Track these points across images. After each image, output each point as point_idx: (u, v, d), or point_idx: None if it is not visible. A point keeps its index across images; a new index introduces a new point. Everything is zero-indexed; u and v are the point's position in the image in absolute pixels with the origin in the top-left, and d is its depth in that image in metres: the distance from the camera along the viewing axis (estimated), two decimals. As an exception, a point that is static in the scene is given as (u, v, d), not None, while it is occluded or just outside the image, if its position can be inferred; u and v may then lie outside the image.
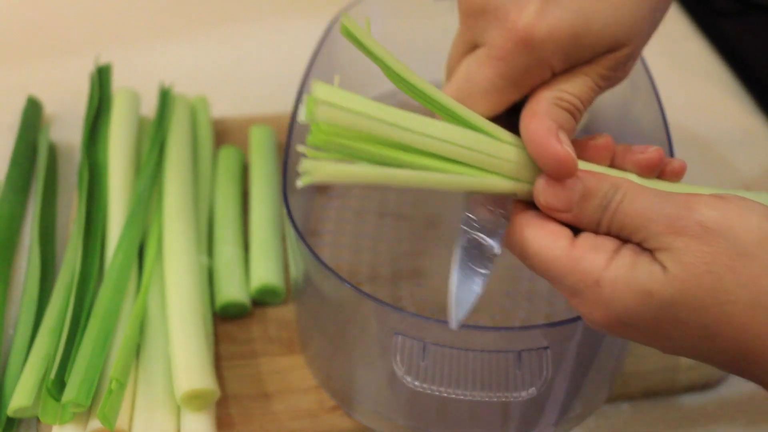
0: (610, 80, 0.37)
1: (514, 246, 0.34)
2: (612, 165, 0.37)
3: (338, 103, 0.30)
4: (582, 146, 0.37)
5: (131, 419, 0.45)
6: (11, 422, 0.46)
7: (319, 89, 0.30)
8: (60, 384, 0.45)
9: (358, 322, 0.43)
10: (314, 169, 0.30)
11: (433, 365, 0.40)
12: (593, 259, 0.32)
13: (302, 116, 0.31)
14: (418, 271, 0.54)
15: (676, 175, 0.37)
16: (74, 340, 0.47)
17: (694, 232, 0.30)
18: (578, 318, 0.39)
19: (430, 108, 0.35)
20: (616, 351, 0.45)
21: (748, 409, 0.50)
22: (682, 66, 0.77)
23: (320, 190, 0.60)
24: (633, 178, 0.36)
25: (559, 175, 0.33)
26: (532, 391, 0.40)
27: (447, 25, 0.65)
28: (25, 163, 0.61)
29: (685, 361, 0.50)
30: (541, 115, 0.35)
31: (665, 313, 0.31)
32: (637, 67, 0.54)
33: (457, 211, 0.58)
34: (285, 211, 0.44)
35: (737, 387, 0.51)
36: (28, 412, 0.45)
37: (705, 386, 0.51)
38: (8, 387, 0.47)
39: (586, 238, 0.33)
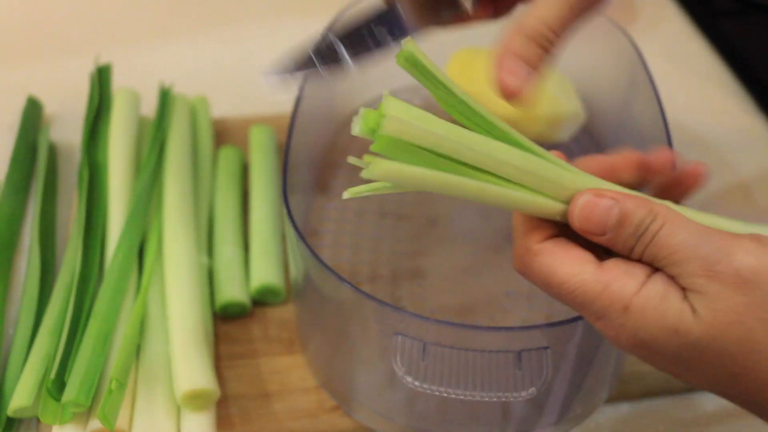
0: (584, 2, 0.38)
1: (532, 274, 0.34)
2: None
3: (408, 119, 0.31)
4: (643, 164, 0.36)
5: (131, 419, 0.45)
6: (11, 422, 0.46)
7: (390, 104, 0.31)
8: (60, 384, 0.45)
9: (358, 322, 0.43)
10: (376, 165, 0.30)
11: (433, 365, 0.40)
12: (624, 284, 0.31)
13: (356, 130, 0.31)
14: (418, 271, 0.54)
15: (694, 178, 0.36)
16: (74, 340, 0.47)
17: (730, 280, 0.30)
18: (578, 318, 0.39)
19: (490, 135, 0.34)
20: (616, 351, 0.45)
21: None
22: (682, 66, 0.77)
23: (320, 190, 0.60)
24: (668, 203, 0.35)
25: (505, 97, 0.37)
26: (532, 391, 0.40)
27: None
28: (25, 163, 0.61)
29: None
30: (502, 46, 0.38)
31: (690, 353, 0.31)
32: (637, 66, 0.54)
33: (457, 212, 0.58)
34: (285, 211, 0.44)
35: (737, 387, 0.51)
36: (28, 412, 0.45)
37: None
38: (8, 387, 0.47)
39: (616, 262, 0.32)
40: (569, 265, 0.32)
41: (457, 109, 0.34)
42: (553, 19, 0.38)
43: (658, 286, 0.31)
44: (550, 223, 0.34)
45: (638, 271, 0.32)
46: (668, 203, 0.34)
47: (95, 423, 0.44)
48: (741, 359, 0.30)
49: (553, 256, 0.33)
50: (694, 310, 0.30)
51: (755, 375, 0.30)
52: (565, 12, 0.38)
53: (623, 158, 0.36)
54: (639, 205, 0.32)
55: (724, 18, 0.80)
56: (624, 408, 0.50)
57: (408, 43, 0.32)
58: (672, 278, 0.31)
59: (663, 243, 0.31)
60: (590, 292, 0.32)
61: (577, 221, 0.33)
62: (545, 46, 0.38)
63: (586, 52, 0.56)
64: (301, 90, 0.51)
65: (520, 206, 0.33)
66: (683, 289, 0.31)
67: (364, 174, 0.31)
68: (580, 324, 0.40)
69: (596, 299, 0.32)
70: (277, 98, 0.67)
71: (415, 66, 0.32)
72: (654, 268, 0.32)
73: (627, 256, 0.33)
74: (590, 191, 0.33)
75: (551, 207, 0.33)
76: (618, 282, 0.31)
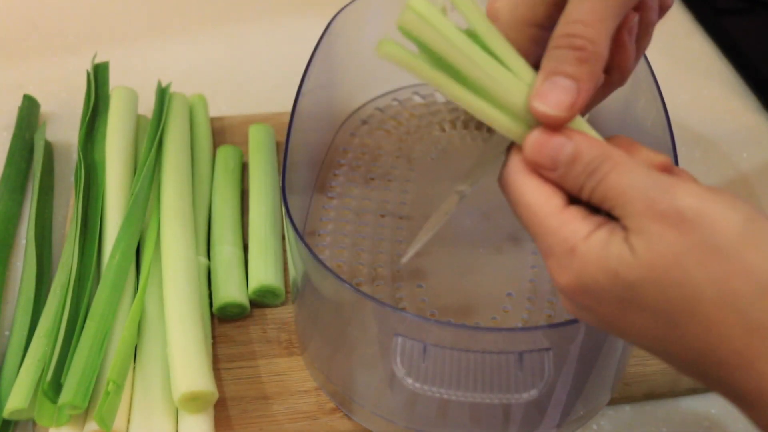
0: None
1: (509, 189, 0.34)
2: None
3: (425, 17, 0.33)
4: (637, 153, 0.35)
5: (128, 421, 0.45)
6: (7, 424, 0.46)
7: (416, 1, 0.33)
8: (56, 386, 0.44)
9: (357, 323, 0.43)
10: (383, 45, 0.33)
11: (433, 366, 0.40)
12: (577, 227, 0.32)
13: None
14: (418, 272, 0.54)
15: None
16: (71, 341, 0.46)
17: (671, 220, 0.30)
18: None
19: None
20: (618, 352, 0.45)
21: (752, 411, 0.50)
22: (685, 64, 0.77)
23: (320, 189, 0.59)
24: None
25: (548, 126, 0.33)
26: (534, 392, 0.40)
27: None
28: (21, 163, 0.61)
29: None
30: (542, 65, 0.34)
31: (629, 296, 0.30)
32: (640, 64, 0.53)
33: (457, 212, 0.58)
34: (284, 210, 0.43)
35: (741, 388, 0.51)
36: (25, 414, 0.45)
37: (708, 389, 0.51)
38: (4, 389, 0.46)
39: (579, 207, 0.32)
40: (540, 192, 0.33)
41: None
42: (587, 18, 0.33)
43: (603, 232, 0.31)
44: None
45: (594, 219, 0.32)
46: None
47: (92, 425, 0.43)
48: (678, 303, 0.29)
49: (530, 179, 0.33)
50: (633, 251, 0.30)
51: (694, 322, 0.30)
52: (602, 15, 0.33)
53: None
54: (593, 146, 0.32)
55: (727, 15, 0.79)
56: (626, 410, 0.50)
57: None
58: (618, 222, 0.31)
59: (611, 184, 0.31)
60: (548, 225, 0.32)
61: (530, 153, 0.33)
62: (583, 49, 0.33)
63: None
64: (301, 88, 0.51)
65: (499, 125, 0.34)
66: (626, 231, 0.31)
67: (375, 49, 0.33)
68: (582, 325, 0.39)
69: (550, 234, 0.32)
70: (276, 96, 0.67)
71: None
72: (609, 217, 0.32)
73: (577, 197, 0.33)
74: (546, 127, 0.33)
75: (520, 131, 0.34)
76: (573, 224, 0.32)
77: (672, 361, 0.32)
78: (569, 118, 0.33)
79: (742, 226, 0.29)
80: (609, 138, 0.36)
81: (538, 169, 0.33)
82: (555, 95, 0.33)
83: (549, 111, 0.33)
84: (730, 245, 0.29)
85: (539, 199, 0.33)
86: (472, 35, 0.34)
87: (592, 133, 0.35)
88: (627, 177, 0.31)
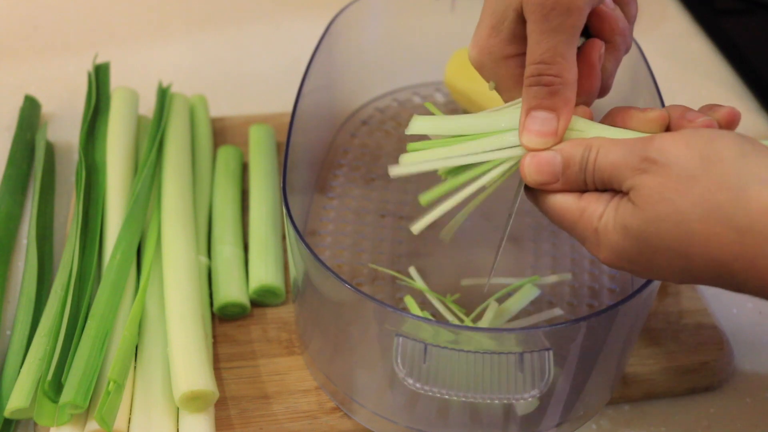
0: (563, 25, 0.37)
1: (540, 208, 0.39)
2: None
3: (426, 129, 0.41)
4: (632, 117, 0.38)
5: (129, 421, 0.45)
6: (8, 423, 0.46)
7: (414, 124, 0.41)
8: (57, 385, 0.44)
9: (358, 323, 0.43)
10: (403, 161, 0.40)
11: (434, 367, 0.40)
12: (593, 210, 0.36)
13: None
14: (418, 272, 0.54)
15: (730, 123, 0.38)
16: (72, 340, 0.46)
17: (647, 168, 0.34)
18: (580, 319, 0.39)
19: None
20: (618, 352, 0.45)
21: (750, 412, 0.50)
22: (684, 65, 0.77)
23: (320, 190, 0.59)
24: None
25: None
26: (534, 392, 0.40)
27: (447, 25, 0.65)
28: (22, 163, 0.61)
29: (686, 363, 0.50)
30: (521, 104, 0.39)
31: (641, 243, 0.35)
32: (639, 65, 0.53)
33: (457, 212, 0.58)
34: (285, 210, 0.43)
35: (739, 389, 0.51)
36: (26, 413, 0.45)
37: (707, 388, 0.51)
38: (5, 388, 0.46)
39: (591, 192, 0.37)
40: (558, 197, 0.38)
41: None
42: (540, 55, 0.38)
43: (613, 203, 0.36)
44: None
45: (605, 195, 0.36)
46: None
47: (93, 425, 0.43)
48: (674, 231, 0.33)
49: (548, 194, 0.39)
50: (634, 204, 0.34)
51: (693, 245, 0.33)
52: (556, 47, 0.38)
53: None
54: (575, 145, 0.37)
55: (726, 16, 0.79)
56: (626, 410, 0.50)
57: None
58: (622, 192, 0.36)
59: (601, 166, 0.36)
60: (571, 218, 0.37)
61: (529, 178, 0.38)
62: (545, 81, 0.38)
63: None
64: (301, 89, 0.51)
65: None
66: (628, 194, 0.35)
67: (400, 160, 0.40)
68: (582, 325, 0.39)
69: (577, 223, 0.37)
70: (276, 97, 0.67)
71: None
72: (616, 191, 0.36)
73: (586, 190, 0.37)
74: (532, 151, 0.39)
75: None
76: (590, 207, 0.37)
77: (704, 283, 0.35)
78: (557, 142, 0.38)
79: (699, 150, 0.33)
80: (608, 112, 0.40)
81: (544, 187, 0.38)
82: (538, 127, 0.38)
83: (537, 143, 0.38)
84: (698, 168, 0.33)
85: (558, 201, 0.38)
86: (450, 140, 0.41)
87: (591, 125, 0.39)
88: (610, 156, 0.36)
